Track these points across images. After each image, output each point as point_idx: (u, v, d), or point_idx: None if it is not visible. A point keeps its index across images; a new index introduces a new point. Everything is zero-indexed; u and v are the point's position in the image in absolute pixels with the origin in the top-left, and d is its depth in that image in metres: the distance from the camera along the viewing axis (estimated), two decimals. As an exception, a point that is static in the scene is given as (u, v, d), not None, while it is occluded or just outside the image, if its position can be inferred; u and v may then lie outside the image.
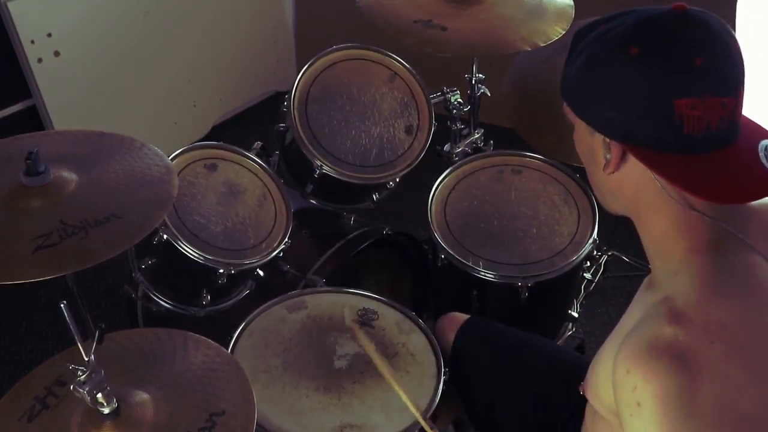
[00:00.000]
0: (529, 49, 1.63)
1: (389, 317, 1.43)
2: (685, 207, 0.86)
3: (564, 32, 1.66)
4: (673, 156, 0.83)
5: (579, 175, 1.72)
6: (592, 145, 0.93)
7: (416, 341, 1.38)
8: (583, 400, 1.09)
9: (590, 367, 0.99)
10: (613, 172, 0.91)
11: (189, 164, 1.54)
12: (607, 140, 0.89)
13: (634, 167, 0.88)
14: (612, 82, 0.85)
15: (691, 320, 0.79)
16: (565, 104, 0.94)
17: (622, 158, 0.89)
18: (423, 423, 1.17)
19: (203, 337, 1.16)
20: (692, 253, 0.86)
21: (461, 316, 1.44)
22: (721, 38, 0.83)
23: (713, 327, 0.79)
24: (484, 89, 1.93)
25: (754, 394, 0.77)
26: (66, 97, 2.46)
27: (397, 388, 1.18)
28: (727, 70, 0.83)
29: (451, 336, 1.41)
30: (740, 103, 0.85)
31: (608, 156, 0.90)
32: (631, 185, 0.91)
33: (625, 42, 0.84)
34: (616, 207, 0.98)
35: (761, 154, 0.84)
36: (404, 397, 1.17)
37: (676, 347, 0.77)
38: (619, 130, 0.86)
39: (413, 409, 1.16)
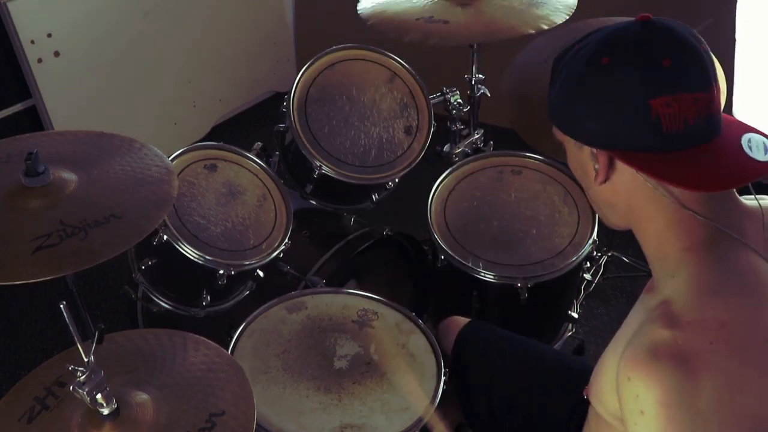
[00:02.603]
0: (533, 32, 1.63)
1: (389, 317, 1.43)
2: (678, 206, 0.87)
3: (568, 17, 1.66)
4: (656, 155, 0.86)
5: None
6: (581, 159, 0.95)
7: (416, 342, 1.37)
8: (583, 404, 1.08)
9: (594, 371, 0.99)
10: (604, 182, 0.93)
11: (189, 165, 1.54)
12: (594, 151, 0.91)
13: (623, 173, 0.91)
14: (589, 93, 0.89)
15: (689, 322, 0.79)
16: (554, 127, 0.97)
17: (610, 166, 0.91)
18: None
19: (203, 338, 1.16)
20: (688, 252, 0.87)
21: (462, 320, 1.44)
22: (685, 40, 0.86)
23: (712, 327, 0.79)
24: (484, 90, 1.93)
25: (757, 392, 0.77)
26: (66, 97, 2.46)
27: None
28: (695, 68, 0.85)
29: (451, 340, 1.41)
30: (714, 97, 0.87)
31: (596, 166, 0.92)
32: (624, 191, 0.92)
33: (596, 54, 0.88)
34: (615, 220, 0.99)
35: (744, 145, 0.87)
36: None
37: (676, 350, 0.77)
38: (603, 138, 0.89)
39: None
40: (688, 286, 0.84)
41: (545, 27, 1.64)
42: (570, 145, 0.96)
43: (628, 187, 0.91)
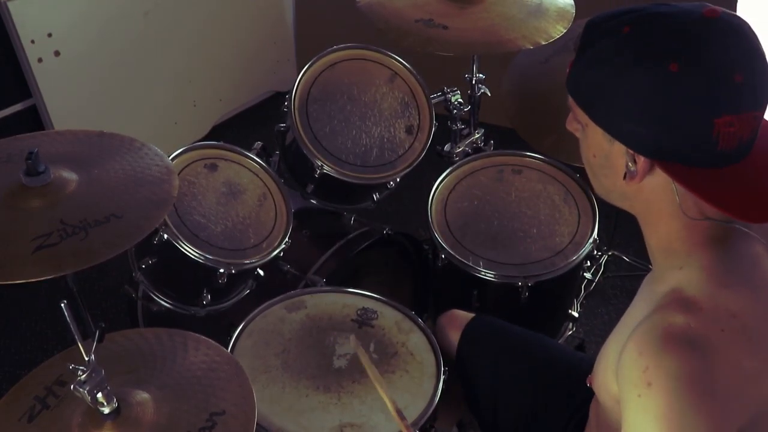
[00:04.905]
0: (531, 47, 1.63)
1: (389, 317, 1.43)
2: (698, 218, 0.86)
3: (565, 30, 1.66)
4: (701, 171, 0.81)
5: (579, 175, 1.72)
6: (609, 152, 0.88)
7: (416, 341, 1.38)
8: (587, 399, 1.09)
9: (597, 358, 0.99)
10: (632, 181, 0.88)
11: (189, 164, 1.54)
12: (631, 152, 0.85)
13: (656, 178, 0.86)
14: (647, 97, 0.80)
15: (702, 308, 0.80)
16: (575, 104, 0.90)
17: (649, 171, 0.85)
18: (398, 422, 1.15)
19: (203, 337, 1.16)
20: (697, 247, 0.87)
21: (463, 314, 1.44)
22: (755, 48, 0.81)
23: (722, 316, 0.80)
24: (484, 89, 1.93)
25: (761, 384, 0.79)
26: (66, 97, 2.46)
27: (383, 396, 1.17)
28: (761, 84, 0.80)
29: (452, 334, 1.41)
30: (765, 113, 0.83)
31: (632, 167, 0.86)
32: (647, 192, 0.89)
33: (662, 56, 0.79)
34: (620, 205, 0.96)
35: None
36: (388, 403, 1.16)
37: (689, 333, 0.78)
38: (650, 145, 0.82)
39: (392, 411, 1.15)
40: (699, 276, 0.84)
41: (543, 42, 1.63)
42: (595, 132, 0.88)
43: (654, 191, 0.87)
